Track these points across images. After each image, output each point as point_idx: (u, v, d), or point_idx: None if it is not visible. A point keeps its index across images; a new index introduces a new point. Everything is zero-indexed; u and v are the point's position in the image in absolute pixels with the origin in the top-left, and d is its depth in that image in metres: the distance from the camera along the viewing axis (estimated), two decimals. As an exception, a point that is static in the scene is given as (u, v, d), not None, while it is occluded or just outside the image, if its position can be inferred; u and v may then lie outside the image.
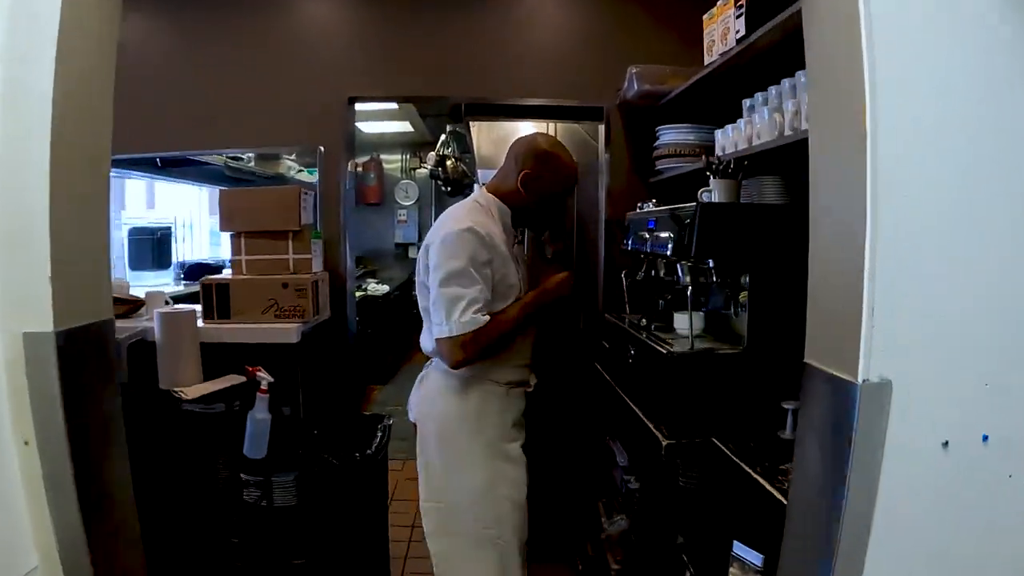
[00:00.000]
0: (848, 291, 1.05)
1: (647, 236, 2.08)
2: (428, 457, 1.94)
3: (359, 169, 6.73)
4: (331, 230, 3.02)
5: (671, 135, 2.64)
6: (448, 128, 4.99)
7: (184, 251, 5.12)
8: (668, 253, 1.86)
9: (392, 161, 6.86)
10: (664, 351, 1.81)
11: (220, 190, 2.92)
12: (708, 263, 1.80)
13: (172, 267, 4.79)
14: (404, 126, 6.16)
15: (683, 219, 1.75)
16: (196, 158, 3.84)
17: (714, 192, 1.97)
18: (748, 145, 2.10)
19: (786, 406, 1.72)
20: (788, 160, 2.08)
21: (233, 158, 4.14)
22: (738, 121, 2.20)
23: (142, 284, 4.32)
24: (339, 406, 3.08)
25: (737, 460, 1.56)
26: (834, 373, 1.08)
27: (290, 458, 2.68)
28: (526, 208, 1.94)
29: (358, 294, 5.45)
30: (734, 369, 1.81)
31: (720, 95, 2.51)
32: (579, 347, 3.02)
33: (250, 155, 4.14)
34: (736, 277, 1.88)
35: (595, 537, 3.00)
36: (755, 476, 1.49)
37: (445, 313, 1.75)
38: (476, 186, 2.15)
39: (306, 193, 2.82)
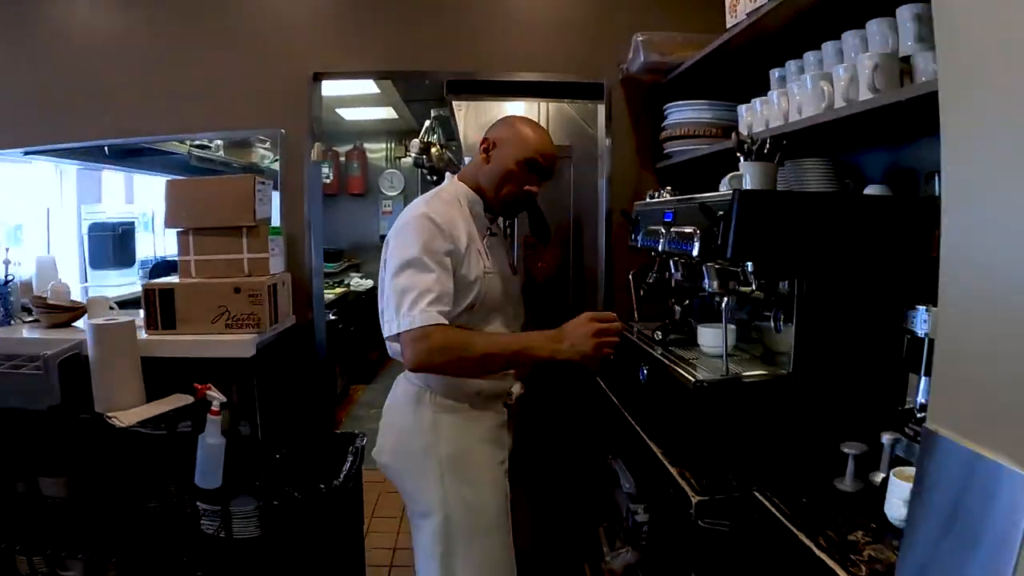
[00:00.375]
0: (1024, 333, 0.65)
1: (662, 231, 1.68)
2: (388, 468, 1.78)
3: (342, 159, 6.31)
4: (294, 225, 2.60)
5: (683, 112, 2.22)
6: (433, 113, 4.58)
7: (166, 246, 4.68)
8: (693, 253, 1.46)
9: (376, 150, 6.42)
10: (691, 379, 1.41)
11: (167, 180, 2.50)
12: (746, 266, 1.39)
13: (137, 264, 4.36)
14: (388, 112, 5.74)
15: (714, 211, 1.35)
16: (153, 146, 3.40)
17: (746, 178, 1.56)
18: (784, 121, 1.70)
19: (846, 450, 1.33)
20: (836, 138, 1.69)
21: (199, 146, 3.71)
22: (769, 93, 1.80)
23: (104, 285, 3.94)
24: (306, 424, 2.68)
25: (794, 529, 1.17)
26: (994, 459, 0.68)
27: (249, 487, 2.29)
28: (496, 191, 1.68)
29: (339, 290, 5.04)
30: (778, 399, 1.42)
31: (741, 66, 2.11)
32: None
33: (218, 142, 3.73)
34: (775, 282, 1.48)
35: (595, 564, 2.64)
36: (820, 555, 1.09)
37: (395, 306, 1.49)
38: (448, 175, 1.78)
39: (263, 183, 2.40)
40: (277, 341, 2.44)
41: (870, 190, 1.53)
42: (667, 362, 1.59)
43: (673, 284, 1.88)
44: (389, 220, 6.21)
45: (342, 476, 2.29)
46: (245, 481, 2.38)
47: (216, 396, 2.29)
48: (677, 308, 1.81)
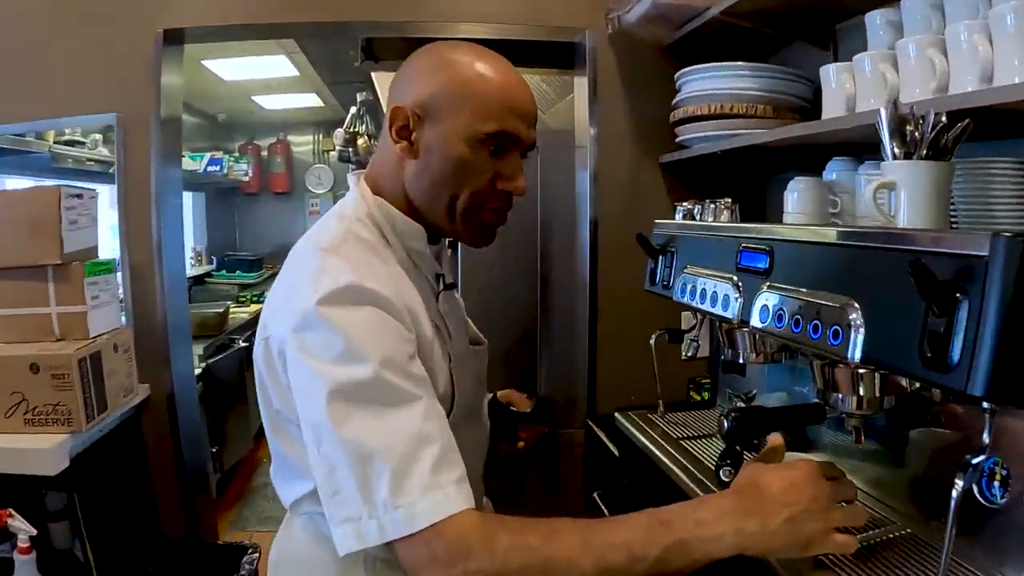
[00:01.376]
0: None
1: (738, 284, 0.89)
2: None
3: (263, 153, 5.33)
4: (140, 251, 1.69)
5: (710, 81, 1.42)
6: (359, 98, 3.72)
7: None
8: (851, 355, 0.67)
9: (302, 143, 5.46)
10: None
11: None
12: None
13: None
14: (313, 100, 4.81)
15: (939, 283, 0.56)
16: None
17: (901, 193, 0.79)
18: (938, 93, 0.92)
19: None
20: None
21: (67, 141, 2.74)
22: (901, 45, 1.01)
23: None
24: (180, 535, 1.81)
25: None
26: None
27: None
28: (448, 203, 0.81)
29: (255, 307, 4.10)
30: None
31: (798, 13, 1.35)
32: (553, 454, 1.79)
33: (96, 136, 2.75)
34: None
35: None
36: None
37: (358, 485, 0.68)
38: (352, 178, 0.91)
39: (77, 195, 1.50)
40: (115, 433, 1.56)
41: None
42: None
43: (729, 358, 1.10)
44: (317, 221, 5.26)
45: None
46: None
47: (22, 527, 1.43)
48: (731, 422, 0.99)
